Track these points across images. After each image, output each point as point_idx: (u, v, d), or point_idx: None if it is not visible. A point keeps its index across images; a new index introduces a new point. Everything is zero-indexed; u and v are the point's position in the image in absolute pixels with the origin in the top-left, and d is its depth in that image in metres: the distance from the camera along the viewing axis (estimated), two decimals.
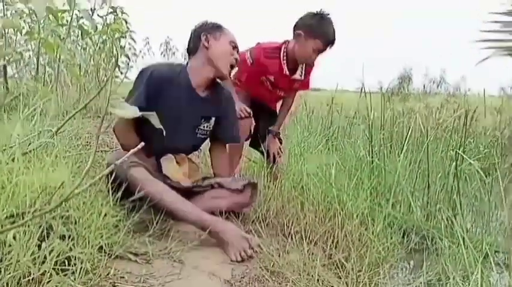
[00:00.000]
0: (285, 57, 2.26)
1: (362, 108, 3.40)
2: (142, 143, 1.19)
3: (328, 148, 3.32)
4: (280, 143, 2.60)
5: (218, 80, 1.82)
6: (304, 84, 2.49)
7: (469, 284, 1.36)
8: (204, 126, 1.80)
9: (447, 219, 2.27)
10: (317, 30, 2.11)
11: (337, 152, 3.22)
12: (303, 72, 2.38)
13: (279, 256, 1.43)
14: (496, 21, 2.45)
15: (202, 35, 1.73)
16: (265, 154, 2.45)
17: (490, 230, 2.43)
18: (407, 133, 2.81)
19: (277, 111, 2.65)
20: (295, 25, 2.22)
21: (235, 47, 1.76)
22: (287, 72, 2.29)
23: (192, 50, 1.79)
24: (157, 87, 1.62)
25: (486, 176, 3.13)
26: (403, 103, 6.70)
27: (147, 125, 1.38)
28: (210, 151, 1.96)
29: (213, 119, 1.82)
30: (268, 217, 1.86)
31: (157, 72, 1.65)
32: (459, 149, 2.52)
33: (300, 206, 1.96)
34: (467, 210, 2.60)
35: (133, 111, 0.90)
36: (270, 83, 2.33)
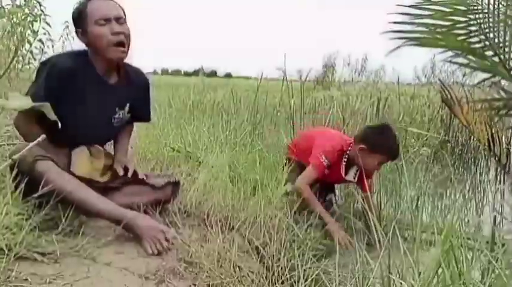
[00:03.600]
0: (345, 161, 2.31)
1: (286, 96, 3.47)
2: (44, 136, 1.12)
3: (255, 135, 3.36)
4: None
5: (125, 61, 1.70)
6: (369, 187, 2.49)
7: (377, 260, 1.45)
8: (119, 114, 1.71)
9: (363, 199, 2.41)
10: (381, 146, 2.17)
11: (263, 139, 3.28)
12: (356, 175, 2.41)
13: (198, 245, 1.42)
14: (404, 13, 2.59)
15: (76, 32, 1.57)
16: None
17: (400, 208, 2.63)
18: (327, 121, 2.93)
19: None
20: (359, 138, 2.30)
21: (106, 21, 1.49)
22: (344, 175, 2.35)
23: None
24: (62, 81, 1.48)
25: (398, 160, 3.35)
26: (325, 91, 6.97)
27: (57, 116, 1.28)
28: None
29: (128, 105, 1.74)
30: (190, 207, 1.84)
31: (60, 65, 1.50)
32: None
33: (222, 195, 1.97)
34: (382, 191, 2.76)
35: (24, 103, 0.83)
36: (323, 175, 2.37)
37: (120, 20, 1.52)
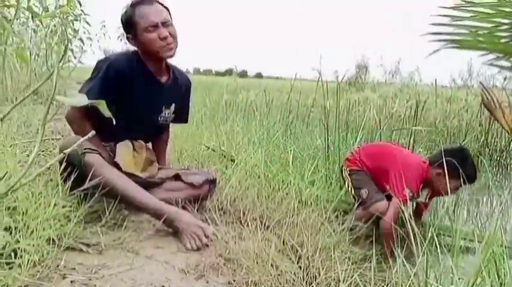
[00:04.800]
0: (421, 183, 2.24)
1: (319, 97, 3.46)
2: (93, 132, 1.17)
3: (287, 135, 3.36)
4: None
5: (170, 62, 1.77)
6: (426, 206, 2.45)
7: (414, 266, 1.43)
8: (165, 113, 1.78)
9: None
10: (459, 172, 2.07)
11: (296, 140, 3.28)
12: (427, 196, 2.37)
13: (235, 243, 1.44)
14: (444, 15, 2.56)
15: (127, 38, 1.66)
16: None
17: (438, 214, 2.57)
18: (362, 122, 2.90)
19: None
20: (435, 162, 2.22)
21: (154, 27, 1.57)
22: (417, 196, 2.27)
23: None
24: (117, 80, 1.56)
25: None
26: (359, 93, 6.88)
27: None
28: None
29: (173, 105, 1.79)
30: (226, 205, 1.86)
31: (117, 64, 1.59)
32: (410, 138, 2.64)
33: (257, 193, 1.99)
34: None
35: (81, 100, 0.87)
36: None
37: (167, 23, 1.60)
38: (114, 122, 0.99)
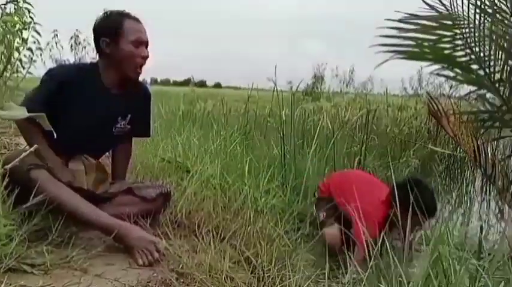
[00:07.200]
0: (382, 224, 2.02)
1: (275, 107, 3.50)
2: (36, 146, 1.12)
3: (244, 145, 3.37)
4: None
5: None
6: None
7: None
8: (121, 124, 1.72)
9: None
10: (413, 205, 1.72)
11: (253, 149, 3.29)
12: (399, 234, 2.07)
13: (188, 257, 1.42)
14: (392, 27, 2.63)
15: (101, 41, 1.59)
16: None
17: None
18: (317, 131, 2.96)
19: None
20: (392, 193, 1.93)
21: (140, 44, 1.58)
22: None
23: (97, 51, 1.67)
24: (59, 89, 1.52)
25: (387, 170, 3.39)
26: (315, 102, 7.05)
27: (57, 124, 1.29)
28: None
29: (129, 116, 1.74)
30: (180, 217, 1.84)
31: (58, 74, 1.56)
32: (362, 146, 2.73)
33: (213, 204, 1.97)
34: None
35: (20, 113, 0.84)
36: None
37: (148, 44, 1.62)
38: (55, 136, 0.96)
